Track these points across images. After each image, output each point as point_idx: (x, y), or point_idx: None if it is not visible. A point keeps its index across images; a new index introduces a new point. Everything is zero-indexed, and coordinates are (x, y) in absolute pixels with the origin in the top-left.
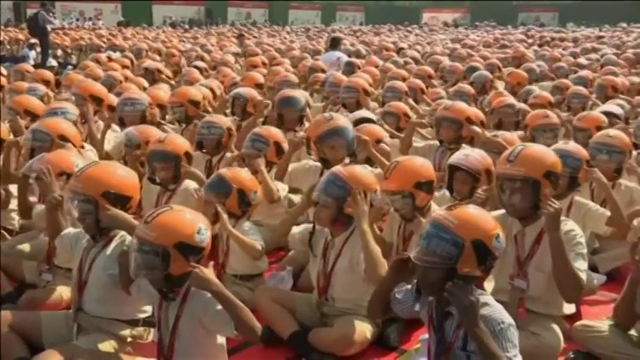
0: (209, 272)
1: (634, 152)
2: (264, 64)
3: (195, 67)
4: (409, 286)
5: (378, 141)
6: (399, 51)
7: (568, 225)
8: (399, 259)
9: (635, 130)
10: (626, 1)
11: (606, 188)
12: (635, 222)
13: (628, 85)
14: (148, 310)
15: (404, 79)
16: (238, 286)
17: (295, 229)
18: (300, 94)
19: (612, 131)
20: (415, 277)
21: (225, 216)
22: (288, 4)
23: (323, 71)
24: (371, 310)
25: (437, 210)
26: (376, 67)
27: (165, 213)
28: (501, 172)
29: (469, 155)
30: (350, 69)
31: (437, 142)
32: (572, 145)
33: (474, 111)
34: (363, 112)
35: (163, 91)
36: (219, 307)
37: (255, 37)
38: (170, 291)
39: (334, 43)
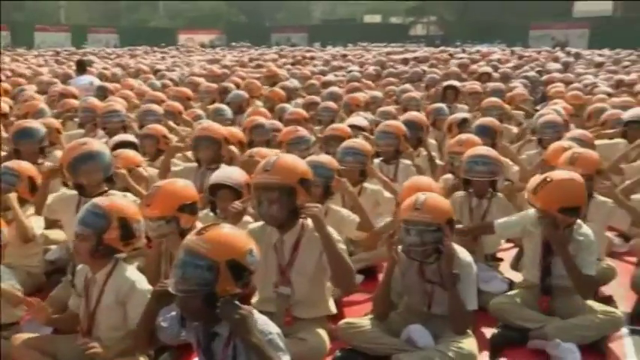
0: None
1: (376, 160)
2: (6, 91)
3: None
4: (174, 313)
5: (137, 166)
6: (156, 73)
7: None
8: (159, 289)
9: (375, 138)
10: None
11: (353, 196)
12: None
13: (368, 99)
14: None
15: (161, 102)
16: None
17: None
18: (39, 125)
19: (356, 139)
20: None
21: None
22: (33, 26)
23: (75, 97)
24: (138, 342)
25: (188, 235)
26: (132, 89)
27: None
28: (259, 181)
29: (231, 172)
30: (102, 93)
31: (196, 164)
32: (324, 157)
33: (232, 130)
34: (125, 136)
35: None
36: None
37: None
38: None
39: (81, 67)
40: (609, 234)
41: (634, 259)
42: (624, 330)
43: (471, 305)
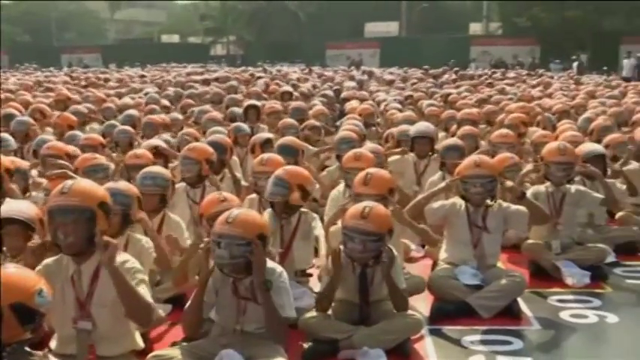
0: None
1: (182, 184)
2: None
3: None
4: None
5: None
6: None
7: (123, 256)
8: None
9: (179, 164)
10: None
11: (152, 234)
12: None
13: (169, 121)
14: None
15: None
16: None
17: None
18: None
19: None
20: None
21: None
22: None
23: None
24: None
25: None
26: None
27: None
28: (55, 205)
29: (20, 205)
30: None
31: None
32: (122, 183)
33: (16, 161)
34: None
35: None
36: None
37: None
38: None
39: None
40: (406, 240)
41: (429, 263)
42: (424, 330)
43: (290, 312)
